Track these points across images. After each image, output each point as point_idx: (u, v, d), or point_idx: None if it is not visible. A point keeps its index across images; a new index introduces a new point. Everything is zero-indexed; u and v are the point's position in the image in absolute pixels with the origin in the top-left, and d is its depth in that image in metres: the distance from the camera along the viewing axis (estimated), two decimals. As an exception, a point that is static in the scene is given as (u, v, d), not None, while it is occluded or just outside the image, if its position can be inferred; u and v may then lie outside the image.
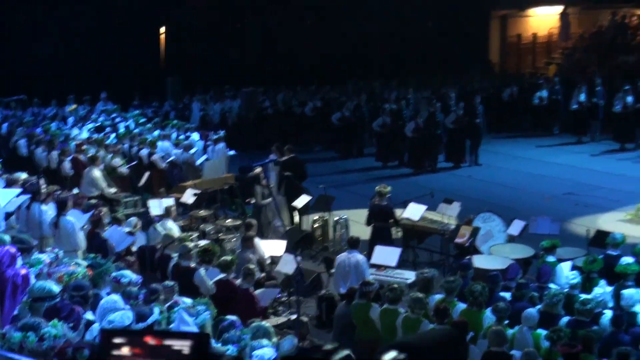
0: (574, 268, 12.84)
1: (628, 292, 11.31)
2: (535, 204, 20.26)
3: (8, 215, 14.00)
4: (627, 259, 12.80)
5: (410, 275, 13.66)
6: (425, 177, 23.44)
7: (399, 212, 16.28)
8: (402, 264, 14.58)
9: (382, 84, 30.63)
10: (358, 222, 16.97)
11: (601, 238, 14.90)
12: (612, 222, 18.64)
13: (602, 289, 12.05)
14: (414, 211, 16.27)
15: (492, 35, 35.66)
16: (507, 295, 11.67)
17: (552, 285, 11.95)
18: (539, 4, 35.54)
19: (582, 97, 26.69)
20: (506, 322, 10.55)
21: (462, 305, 11.21)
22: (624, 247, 13.49)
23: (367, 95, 28.81)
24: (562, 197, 21.24)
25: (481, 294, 11.01)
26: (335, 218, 17.37)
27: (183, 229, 16.04)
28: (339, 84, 30.54)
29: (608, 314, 10.97)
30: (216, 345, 8.43)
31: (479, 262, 13.78)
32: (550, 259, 13.22)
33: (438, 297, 11.54)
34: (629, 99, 25.61)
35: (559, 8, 35.61)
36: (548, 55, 35.75)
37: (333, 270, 13.78)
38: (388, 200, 15.76)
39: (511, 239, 15.63)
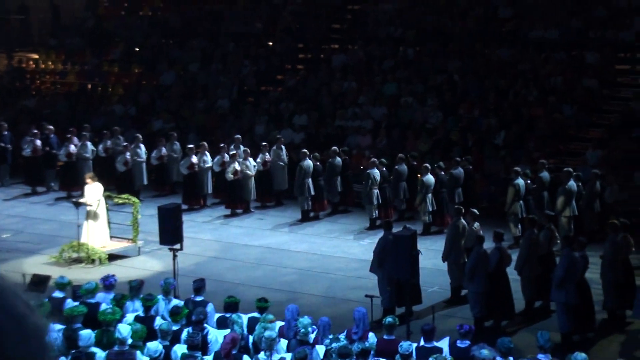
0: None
1: (85, 333, 11.45)
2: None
3: None
4: (72, 302, 13.03)
5: None
6: None
7: None
8: None
9: None
10: None
11: (39, 282, 14.94)
12: (38, 265, 18.72)
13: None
14: None
15: None
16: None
17: None
18: None
19: (-11, 141, 26.25)
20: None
21: None
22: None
23: None
24: (-20, 244, 20.76)
25: None
26: None
27: None
28: None
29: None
30: None
31: None
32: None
33: None
34: (38, 142, 25.78)
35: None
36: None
37: None
38: None
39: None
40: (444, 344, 12.12)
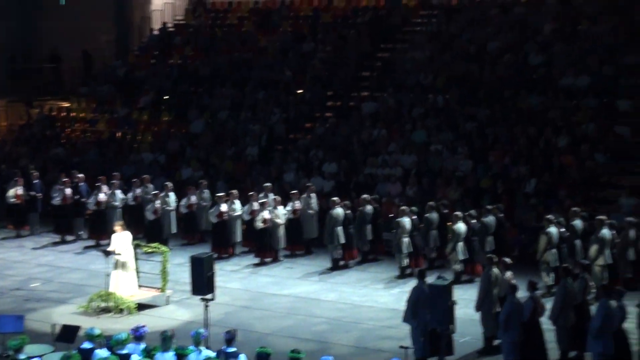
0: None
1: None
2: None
3: None
4: (102, 352, 12.90)
5: None
6: None
7: None
8: None
9: None
10: None
11: (69, 332, 14.84)
12: (68, 315, 18.64)
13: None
14: None
15: None
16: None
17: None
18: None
19: (20, 190, 26.33)
20: None
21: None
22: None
23: None
24: (9, 293, 20.69)
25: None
26: None
27: None
28: None
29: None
30: None
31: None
32: (22, 357, 12.82)
33: None
34: (67, 191, 25.83)
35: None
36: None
37: None
38: None
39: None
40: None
